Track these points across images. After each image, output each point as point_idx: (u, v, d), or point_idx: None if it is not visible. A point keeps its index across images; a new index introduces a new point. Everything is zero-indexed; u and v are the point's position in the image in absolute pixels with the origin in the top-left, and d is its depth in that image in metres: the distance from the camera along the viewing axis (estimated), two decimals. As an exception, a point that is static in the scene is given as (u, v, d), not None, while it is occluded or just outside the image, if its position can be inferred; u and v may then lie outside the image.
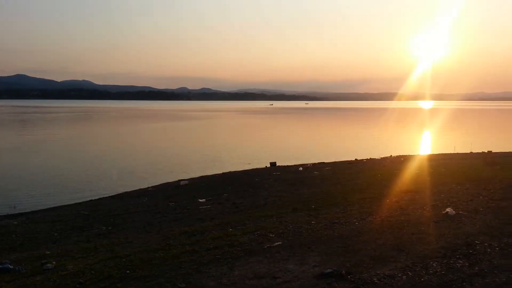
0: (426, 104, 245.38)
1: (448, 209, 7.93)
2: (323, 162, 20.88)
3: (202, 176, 18.20)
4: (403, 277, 4.89)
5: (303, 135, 42.36)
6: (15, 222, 11.06)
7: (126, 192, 15.34)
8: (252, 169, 19.55)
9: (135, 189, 15.94)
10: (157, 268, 5.65)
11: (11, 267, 6.28)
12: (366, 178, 14.40)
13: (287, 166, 20.28)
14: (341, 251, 5.94)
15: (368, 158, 22.09)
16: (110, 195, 15.01)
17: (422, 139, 39.76)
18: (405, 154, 23.46)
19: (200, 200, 12.50)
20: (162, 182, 17.15)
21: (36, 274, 5.87)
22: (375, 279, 4.85)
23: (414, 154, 23.92)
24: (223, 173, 19.00)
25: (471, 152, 23.29)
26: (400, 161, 19.33)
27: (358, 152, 24.44)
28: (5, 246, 8.50)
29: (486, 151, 23.23)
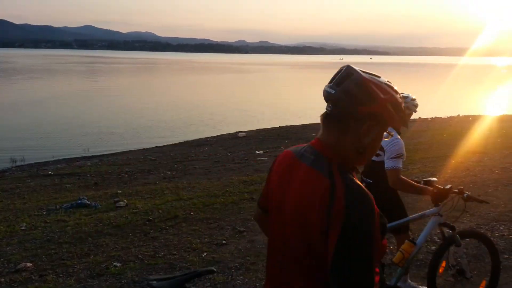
0: (503, 61, 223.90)
1: (520, 173, 7.46)
2: (384, 120, 20.16)
3: (259, 129, 18.42)
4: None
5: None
6: (89, 164, 12.06)
7: (187, 141, 16.01)
8: (310, 124, 19.39)
9: (196, 138, 16.56)
10: (218, 212, 5.97)
11: (88, 202, 6.93)
12: (430, 137, 13.78)
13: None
14: (400, 208, 5.86)
15: (434, 117, 20.98)
16: (173, 143, 15.77)
17: (495, 98, 36.79)
18: (474, 114, 21.95)
19: (258, 152, 12.75)
20: (220, 134, 17.62)
21: (110, 210, 6.44)
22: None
23: (485, 114, 22.29)
24: (280, 126, 19.07)
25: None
26: (468, 121, 18.18)
27: (422, 111, 23.24)
28: (81, 184, 9.35)
29: None
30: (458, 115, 21.25)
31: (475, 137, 12.64)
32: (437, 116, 21.00)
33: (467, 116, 20.62)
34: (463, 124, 17.06)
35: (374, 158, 3.35)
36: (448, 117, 20.54)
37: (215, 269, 2.05)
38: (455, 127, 16.04)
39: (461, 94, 39.05)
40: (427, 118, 20.47)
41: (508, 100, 34.96)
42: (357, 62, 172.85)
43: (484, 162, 8.82)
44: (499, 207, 5.78)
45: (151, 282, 1.95)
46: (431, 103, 30.64)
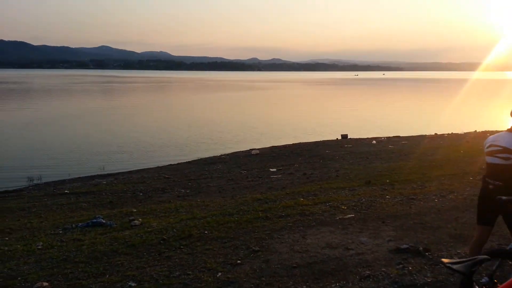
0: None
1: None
2: (399, 136, 19.99)
3: (272, 146, 18.41)
4: (488, 258, 4.62)
5: (378, 107, 40.65)
6: (104, 182, 12.18)
7: (201, 159, 16.08)
8: (323, 141, 19.33)
9: (209, 156, 16.63)
10: (232, 231, 5.92)
11: (104, 221, 6.97)
12: (446, 153, 13.56)
13: (360, 138, 19.73)
14: (418, 227, 5.74)
15: (450, 132, 20.70)
16: (187, 160, 15.86)
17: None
18: (492, 129, 21.57)
19: (271, 170, 12.71)
20: (234, 151, 17.66)
21: (125, 229, 6.45)
22: (455, 258, 4.63)
23: (503, 130, 21.87)
24: (293, 143, 19.04)
25: None
26: (485, 137, 17.84)
27: (438, 126, 22.97)
28: (97, 203, 9.42)
29: None
30: (475, 131, 20.93)
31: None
32: (453, 132, 20.72)
33: (484, 132, 20.27)
34: (480, 140, 16.75)
35: (504, 161, 3.62)
36: (464, 133, 20.23)
37: (489, 258, 2.60)
38: (472, 143, 15.75)
39: (478, 110, 38.54)
40: (443, 134, 20.23)
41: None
42: (370, 78, 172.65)
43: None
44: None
45: (448, 265, 2.35)
46: (447, 118, 30.25)
